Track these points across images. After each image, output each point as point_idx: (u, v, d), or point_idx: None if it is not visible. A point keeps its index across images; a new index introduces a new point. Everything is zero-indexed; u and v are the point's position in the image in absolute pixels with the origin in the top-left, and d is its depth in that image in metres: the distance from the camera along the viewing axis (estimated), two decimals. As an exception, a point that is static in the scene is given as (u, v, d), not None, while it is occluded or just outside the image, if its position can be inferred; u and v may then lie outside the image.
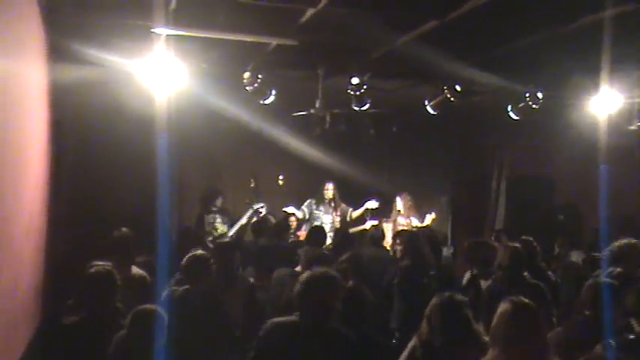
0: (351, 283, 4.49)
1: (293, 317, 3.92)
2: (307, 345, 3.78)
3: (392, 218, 10.37)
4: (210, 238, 8.86)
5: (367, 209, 10.11)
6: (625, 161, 8.80)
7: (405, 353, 4.06)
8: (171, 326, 4.13)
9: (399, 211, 10.33)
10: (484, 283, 6.11)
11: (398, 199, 10.40)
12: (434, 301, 3.97)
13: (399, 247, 7.05)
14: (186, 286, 5.28)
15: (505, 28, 6.21)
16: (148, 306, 4.13)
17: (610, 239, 6.45)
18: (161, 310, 4.10)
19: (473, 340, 3.81)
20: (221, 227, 9.08)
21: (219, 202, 9.31)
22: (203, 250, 5.83)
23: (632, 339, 3.82)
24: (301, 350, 3.78)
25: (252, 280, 6.16)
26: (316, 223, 10.05)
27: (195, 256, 5.36)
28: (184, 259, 5.33)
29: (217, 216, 9.23)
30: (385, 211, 10.65)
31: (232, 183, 10.51)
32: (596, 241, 6.99)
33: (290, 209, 9.97)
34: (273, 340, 3.84)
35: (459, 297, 4.04)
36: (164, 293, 5.15)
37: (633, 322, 4.12)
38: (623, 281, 4.84)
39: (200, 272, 5.30)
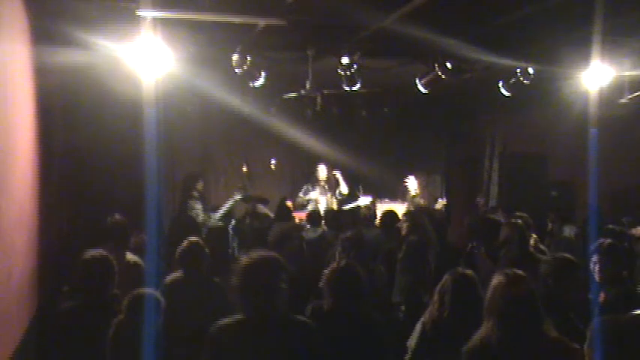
0: (343, 262, 4.42)
1: (238, 316, 3.47)
2: (260, 342, 3.39)
3: (407, 198, 10.44)
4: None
5: (359, 206, 10.12)
6: (617, 134, 8.79)
7: (417, 329, 4.06)
8: (168, 313, 4.11)
9: (411, 190, 10.43)
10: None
11: (412, 177, 10.42)
12: (447, 277, 3.97)
13: (405, 224, 7.07)
14: (181, 273, 5.28)
15: (495, 3, 6.17)
16: (145, 290, 4.12)
17: (601, 214, 6.49)
18: (158, 295, 4.10)
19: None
20: (202, 214, 8.91)
21: (199, 185, 9.16)
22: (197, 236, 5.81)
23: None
24: (254, 350, 3.38)
25: None
26: (311, 203, 10.09)
27: (190, 243, 5.35)
28: (179, 247, 5.32)
29: (198, 202, 9.11)
30: (380, 191, 10.67)
31: (224, 167, 10.50)
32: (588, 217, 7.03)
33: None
34: (219, 346, 3.41)
35: (471, 273, 4.04)
36: (165, 280, 5.17)
37: None
38: (612, 254, 4.86)
39: (195, 259, 5.30)
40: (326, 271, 4.28)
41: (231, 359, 3.40)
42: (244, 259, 3.53)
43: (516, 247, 5.74)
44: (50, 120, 6.26)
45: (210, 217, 8.82)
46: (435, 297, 4.00)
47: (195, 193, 9.04)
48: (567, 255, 4.64)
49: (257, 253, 3.57)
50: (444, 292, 3.93)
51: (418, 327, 4.06)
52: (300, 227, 7.97)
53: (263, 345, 3.38)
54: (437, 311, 3.94)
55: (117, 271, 4.56)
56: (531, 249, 5.87)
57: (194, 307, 4.96)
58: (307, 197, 10.21)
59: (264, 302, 3.42)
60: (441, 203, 10.30)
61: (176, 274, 5.31)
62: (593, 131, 7.22)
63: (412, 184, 10.40)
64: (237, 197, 9.12)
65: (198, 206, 8.97)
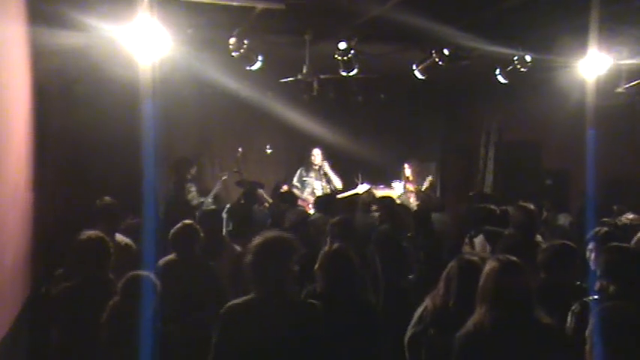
0: (335, 245, 4.41)
1: (249, 296, 3.55)
2: (269, 322, 3.46)
3: (402, 185, 10.51)
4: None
5: (357, 193, 10.14)
6: (613, 124, 8.80)
7: (416, 316, 4.06)
8: (162, 295, 4.12)
9: (407, 177, 10.49)
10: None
11: (406, 165, 10.50)
12: (452, 263, 3.95)
13: (376, 213, 7.10)
14: (174, 255, 5.28)
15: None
16: (141, 272, 4.12)
17: (598, 204, 6.51)
18: (153, 277, 4.10)
19: None
20: (196, 196, 9.10)
21: (194, 170, 9.32)
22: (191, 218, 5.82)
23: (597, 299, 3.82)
24: (263, 329, 3.45)
25: (238, 248, 6.15)
26: (307, 189, 10.09)
27: (184, 225, 5.36)
28: (173, 229, 5.32)
29: (193, 184, 9.23)
30: (375, 177, 10.68)
31: (220, 150, 10.49)
32: (585, 206, 7.04)
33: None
34: (232, 325, 3.48)
35: (478, 260, 4.02)
36: (158, 263, 5.17)
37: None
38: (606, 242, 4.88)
39: (189, 241, 5.31)
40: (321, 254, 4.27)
41: (242, 338, 3.45)
42: (258, 239, 3.59)
43: (522, 232, 5.69)
44: (46, 102, 6.23)
45: (203, 200, 8.91)
46: (440, 284, 3.96)
47: (189, 177, 9.13)
48: (566, 242, 4.65)
49: (271, 234, 3.65)
50: (450, 279, 3.90)
51: (417, 313, 4.06)
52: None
53: (272, 325, 3.44)
54: (441, 298, 3.92)
55: (113, 253, 4.58)
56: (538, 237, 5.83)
57: (187, 290, 4.97)
58: (303, 180, 10.21)
59: (275, 282, 3.50)
60: (428, 181, 10.34)
61: (169, 257, 5.32)
62: (590, 131, 7.23)
63: (407, 170, 10.47)
64: (224, 177, 9.20)
65: (193, 189, 9.14)
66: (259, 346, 3.40)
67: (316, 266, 4.21)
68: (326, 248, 4.31)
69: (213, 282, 5.26)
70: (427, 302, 4.02)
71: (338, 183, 10.25)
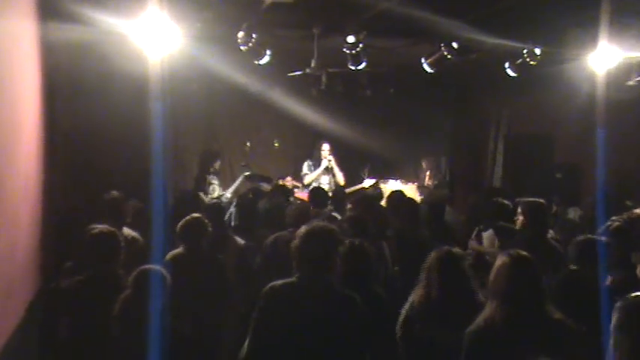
0: (356, 241, 4.43)
1: (291, 279, 3.76)
2: (308, 305, 3.63)
3: (421, 181, 10.61)
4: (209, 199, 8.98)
5: (363, 187, 10.13)
6: (624, 117, 8.74)
7: (404, 309, 4.07)
8: (173, 287, 4.14)
9: (426, 172, 10.63)
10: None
11: (424, 163, 10.74)
12: (433, 254, 3.98)
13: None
14: (182, 249, 5.29)
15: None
16: (152, 266, 4.14)
17: (609, 198, 6.45)
18: (164, 271, 4.12)
19: (468, 295, 3.83)
20: (217, 189, 9.28)
21: (217, 164, 9.43)
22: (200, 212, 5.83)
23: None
24: (302, 311, 3.62)
25: (242, 242, 6.16)
26: (314, 183, 10.08)
27: (192, 219, 5.37)
28: (181, 222, 5.33)
29: (215, 177, 9.34)
30: (383, 171, 10.67)
31: (228, 145, 10.50)
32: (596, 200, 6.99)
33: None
34: (272, 304, 3.66)
35: (458, 251, 4.05)
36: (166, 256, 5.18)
37: None
38: (620, 236, 4.86)
39: (198, 235, 5.32)
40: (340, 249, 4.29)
41: (280, 318, 3.63)
42: (305, 228, 3.82)
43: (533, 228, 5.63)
44: (56, 96, 6.24)
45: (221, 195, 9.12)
46: (422, 276, 4.00)
47: (212, 170, 9.27)
48: (591, 236, 4.63)
49: (318, 223, 3.91)
50: (430, 269, 3.94)
51: (406, 307, 4.07)
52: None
53: (309, 309, 3.61)
54: (424, 290, 3.94)
55: (124, 247, 4.60)
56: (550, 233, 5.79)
57: (196, 283, 4.98)
58: (314, 175, 10.21)
59: (317, 269, 3.68)
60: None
61: (177, 250, 5.32)
62: (600, 131, 7.18)
63: (425, 165, 10.61)
64: (247, 173, 9.37)
65: (215, 182, 9.34)
66: (296, 329, 3.58)
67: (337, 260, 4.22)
68: (347, 243, 4.30)
69: (221, 276, 5.27)
70: (411, 298, 4.03)
71: (341, 179, 10.24)
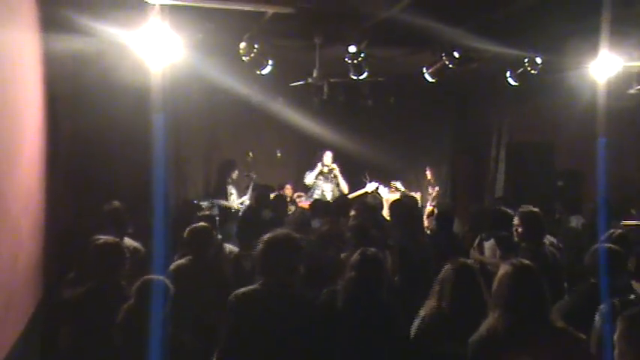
0: (370, 250, 4.43)
1: (255, 285, 3.90)
2: (273, 310, 3.78)
3: (427, 190, 10.66)
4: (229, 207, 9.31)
5: (366, 192, 10.16)
6: (624, 125, 8.75)
7: (417, 321, 4.05)
8: (176, 297, 4.15)
9: (429, 180, 10.69)
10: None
11: (428, 172, 10.87)
12: (447, 266, 3.96)
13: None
14: (188, 258, 5.29)
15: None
16: (155, 276, 4.14)
17: (611, 206, 6.44)
18: (167, 281, 4.12)
19: (481, 309, 3.79)
20: (236, 199, 9.56)
21: (235, 174, 9.52)
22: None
23: (632, 299, 3.80)
24: (268, 316, 3.77)
25: (236, 249, 6.18)
26: (317, 191, 10.10)
27: (198, 228, 5.37)
28: (186, 231, 5.34)
29: (233, 187, 9.58)
30: (385, 180, 10.68)
31: (231, 155, 10.49)
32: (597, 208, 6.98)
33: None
34: (239, 311, 3.80)
35: (472, 263, 4.04)
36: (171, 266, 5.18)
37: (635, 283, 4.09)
38: (624, 244, 4.84)
39: (204, 243, 5.32)
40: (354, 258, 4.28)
41: (247, 324, 3.77)
42: (269, 235, 3.95)
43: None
44: (58, 107, 6.26)
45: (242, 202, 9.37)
46: (436, 287, 3.98)
47: (229, 180, 9.55)
48: (613, 246, 4.53)
49: (281, 231, 4.05)
50: (444, 282, 3.92)
51: (417, 321, 4.05)
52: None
53: (274, 314, 3.77)
54: (436, 302, 3.93)
55: (128, 257, 4.61)
56: (546, 240, 5.72)
57: (198, 293, 4.97)
58: (313, 175, 10.24)
59: (281, 276, 3.84)
60: (436, 191, 10.51)
61: (182, 260, 5.32)
62: (600, 139, 7.18)
63: (429, 174, 10.64)
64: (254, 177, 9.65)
65: (234, 191, 9.53)
66: (263, 333, 3.73)
67: (349, 269, 4.23)
68: (360, 252, 4.31)
69: (225, 286, 5.26)
70: (422, 311, 4.00)
71: (345, 188, 10.27)
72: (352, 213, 7.11)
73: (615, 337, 2.85)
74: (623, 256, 4.47)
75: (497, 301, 3.40)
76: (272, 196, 8.74)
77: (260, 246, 3.92)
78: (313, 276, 5.19)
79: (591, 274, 4.41)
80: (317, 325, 3.93)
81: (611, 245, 4.55)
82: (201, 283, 5.08)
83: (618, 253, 4.42)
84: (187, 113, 9.53)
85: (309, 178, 10.25)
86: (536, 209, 5.66)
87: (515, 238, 5.59)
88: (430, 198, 10.61)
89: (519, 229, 5.46)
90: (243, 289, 3.90)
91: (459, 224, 8.30)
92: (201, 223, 5.53)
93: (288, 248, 3.91)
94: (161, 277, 4.14)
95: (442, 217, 7.12)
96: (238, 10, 6.40)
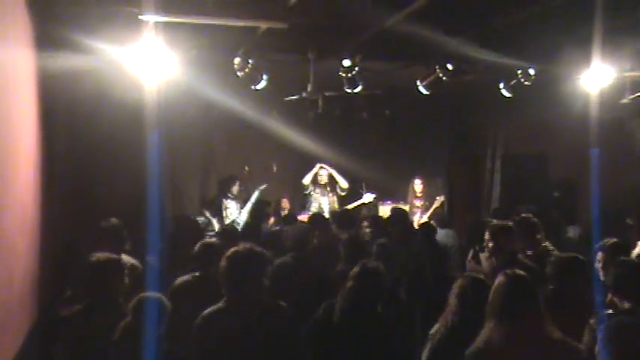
0: (371, 262, 4.43)
1: (219, 304, 3.85)
2: (241, 327, 3.72)
3: (409, 200, 10.49)
4: (226, 223, 9.22)
5: (364, 203, 10.16)
6: (617, 135, 8.78)
7: (430, 338, 4.02)
8: (181, 313, 4.15)
9: (415, 193, 10.47)
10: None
11: (417, 181, 10.48)
12: (458, 281, 3.93)
13: (367, 230, 7.07)
14: (194, 275, 5.26)
15: (495, 3, 6.19)
16: (152, 293, 4.13)
17: (606, 216, 6.44)
18: (163, 298, 4.11)
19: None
20: (236, 213, 9.43)
21: (235, 189, 9.51)
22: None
23: (611, 313, 3.77)
24: (236, 334, 3.72)
25: None
26: (314, 204, 10.10)
27: (208, 244, 5.37)
28: (197, 247, 5.32)
29: (232, 202, 9.49)
30: (381, 193, 10.69)
31: (227, 170, 10.49)
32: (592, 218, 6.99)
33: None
34: (205, 334, 3.77)
35: (482, 277, 4.04)
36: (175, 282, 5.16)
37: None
38: (614, 253, 4.83)
39: (212, 259, 5.28)
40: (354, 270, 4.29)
41: (217, 344, 3.71)
42: (231, 250, 3.90)
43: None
44: (53, 123, 6.27)
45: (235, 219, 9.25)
46: (451, 302, 3.92)
47: (230, 195, 9.45)
48: (576, 254, 4.51)
49: (244, 246, 3.95)
50: (458, 297, 3.87)
51: (430, 336, 4.02)
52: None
53: (244, 329, 3.70)
54: (450, 317, 3.89)
55: (126, 274, 4.60)
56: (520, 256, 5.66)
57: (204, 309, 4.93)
58: (310, 194, 10.23)
59: (247, 292, 3.79)
60: (439, 201, 10.36)
61: (187, 277, 5.29)
62: (594, 151, 7.21)
63: (417, 185, 10.45)
64: (261, 188, 9.52)
65: (232, 206, 9.43)
66: (234, 353, 3.68)
67: (349, 282, 4.23)
68: (362, 263, 4.33)
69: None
70: (438, 325, 3.96)
71: (344, 184, 10.24)
72: (365, 223, 7.17)
73: (596, 348, 2.87)
74: (588, 265, 4.45)
75: (492, 312, 3.41)
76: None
77: (223, 263, 3.87)
78: (309, 289, 5.22)
79: (550, 282, 4.38)
80: (294, 335, 3.89)
81: (574, 254, 4.51)
82: (209, 299, 5.04)
83: (583, 262, 4.41)
84: (182, 129, 9.53)
85: (306, 179, 10.26)
86: (508, 223, 5.63)
87: (487, 253, 5.56)
88: (421, 209, 10.39)
89: (490, 244, 5.41)
90: (208, 310, 3.85)
91: (456, 235, 8.28)
92: (212, 239, 5.51)
93: (253, 262, 3.86)
94: (157, 295, 4.13)
95: (426, 229, 7.28)
96: (232, 26, 6.44)
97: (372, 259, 6.07)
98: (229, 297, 3.82)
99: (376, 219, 7.63)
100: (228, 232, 7.10)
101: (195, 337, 3.76)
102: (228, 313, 3.76)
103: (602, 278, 4.69)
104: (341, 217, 7.99)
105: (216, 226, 9.01)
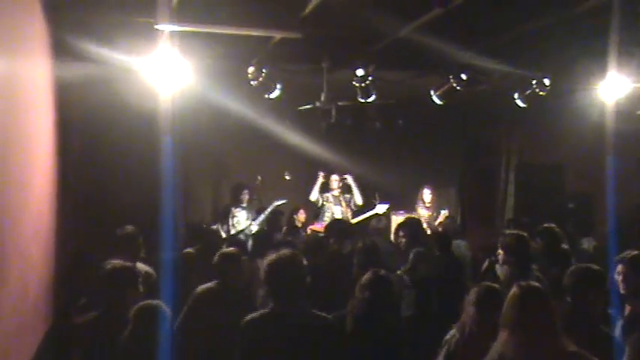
0: (381, 271, 4.43)
1: (266, 309, 3.89)
2: (283, 333, 3.74)
3: (416, 209, 10.39)
4: (233, 232, 9.24)
5: (377, 214, 10.10)
6: (634, 146, 8.72)
7: (444, 346, 4.02)
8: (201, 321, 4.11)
9: (424, 202, 10.36)
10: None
11: (426, 190, 10.39)
12: (472, 290, 3.96)
13: (403, 240, 7.03)
14: (215, 283, 5.26)
15: (510, 14, 6.17)
16: (152, 301, 4.16)
17: (622, 228, 6.38)
18: (164, 305, 4.12)
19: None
20: (244, 222, 9.42)
21: (244, 197, 9.60)
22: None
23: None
24: (278, 340, 3.73)
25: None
26: (327, 214, 10.08)
27: (227, 253, 5.38)
28: (216, 256, 5.33)
29: (242, 210, 9.52)
30: (395, 203, 10.64)
31: (239, 179, 10.51)
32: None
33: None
34: (249, 337, 3.79)
35: (497, 287, 4.05)
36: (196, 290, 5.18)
37: None
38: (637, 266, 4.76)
39: (231, 268, 5.29)
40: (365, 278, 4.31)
41: (259, 349, 3.74)
42: (272, 257, 3.90)
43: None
44: (68, 132, 6.32)
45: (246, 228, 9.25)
46: (472, 308, 3.94)
47: (240, 203, 9.53)
48: (591, 265, 4.43)
49: (283, 252, 3.96)
50: (480, 303, 3.90)
51: (445, 342, 4.02)
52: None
53: (286, 335, 3.73)
54: (464, 326, 3.90)
55: (140, 282, 4.61)
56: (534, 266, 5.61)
57: (223, 317, 4.90)
58: (323, 204, 10.22)
59: (289, 297, 3.80)
60: (443, 216, 10.24)
61: (209, 284, 5.29)
62: (610, 160, 7.16)
63: (426, 195, 10.36)
64: (277, 203, 9.56)
65: (240, 214, 9.48)
66: (278, 356, 3.71)
67: (357, 290, 4.27)
68: (372, 272, 4.36)
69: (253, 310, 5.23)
70: (453, 332, 3.97)
71: (359, 200, 10.22)
72: (401, 234, 7.13)
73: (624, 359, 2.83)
74: (603, 276, 4.37)
75: (506, 323, 3.39)
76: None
77: (265, 268, 3.88)
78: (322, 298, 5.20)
79: (567, 294, 4.31)
80: (332, 347, 3.87)
81: (591, 265, 4.43)
82: (227, 306, 5.02)
83: (599, 272, 4.33)
84: (196, 138, 9.58)
85: (313, 195, 10.26)
86: (518, 233, 5.59)
87: (501, 263, 5.53)
88: (426, 220, 10.27)
89: (504, 255, 5.37)
90: (253, 314, 3.88)
91: (468, 246, 8.24)
92: (231, 248, 5.54)
93: (295, 268, 3.87)
94: (156, 302, 4.15)
95: (443, 238, 7.16)
96: (246, 36, 6.47)
97: (408, 267, 6.14)
98: (273, 303, 3.84)
99: (413, 227, 7.49)
100: (234, 242, 7.10)
101: (239, 339, 3.79)
102: (274, 318, 3.79)
103: (622, 291, 4.62)
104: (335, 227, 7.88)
105: (223, 234, 8.99)
